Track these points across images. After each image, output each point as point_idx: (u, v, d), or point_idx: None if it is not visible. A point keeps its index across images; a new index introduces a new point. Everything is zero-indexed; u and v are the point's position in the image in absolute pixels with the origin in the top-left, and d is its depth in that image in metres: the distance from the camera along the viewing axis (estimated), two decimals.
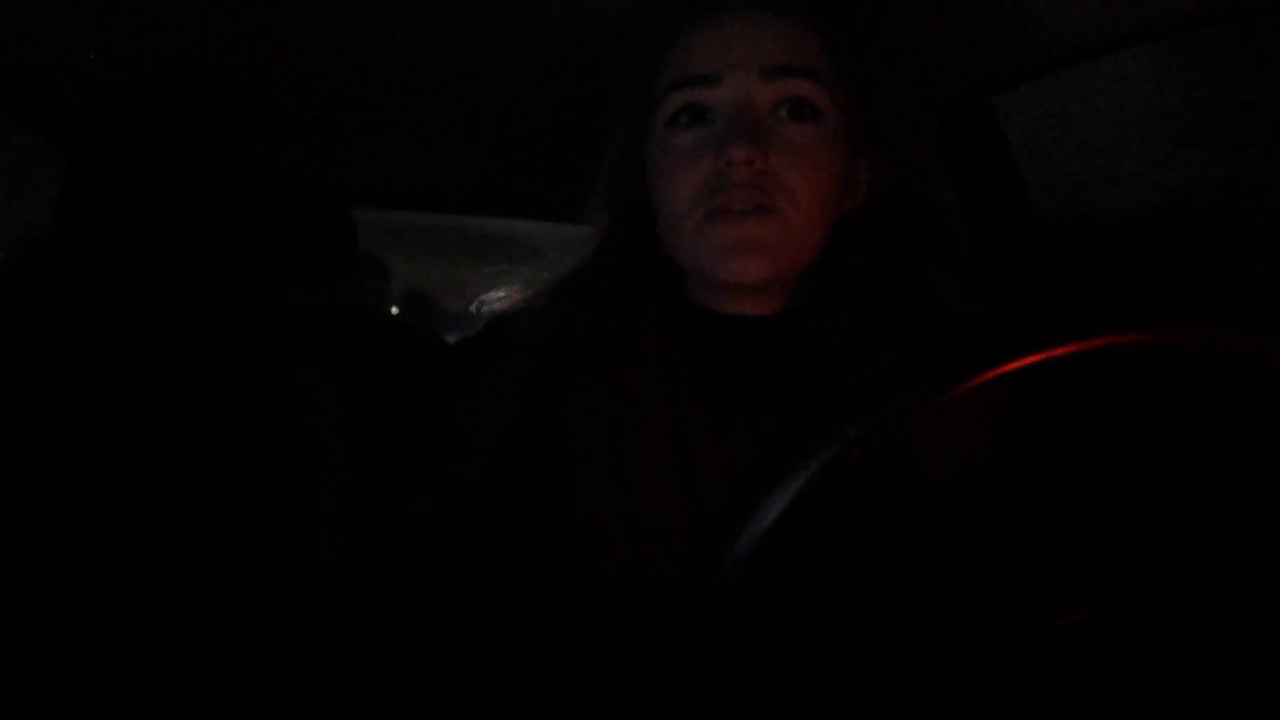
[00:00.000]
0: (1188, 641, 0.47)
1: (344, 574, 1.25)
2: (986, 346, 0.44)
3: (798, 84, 0.79)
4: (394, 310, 3.24)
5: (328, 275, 1.68)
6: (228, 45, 1.23)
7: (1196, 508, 0.67)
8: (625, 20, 1.11)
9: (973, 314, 0.80)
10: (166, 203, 1.15)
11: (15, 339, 1.05)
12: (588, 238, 0.94)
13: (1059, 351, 0.43)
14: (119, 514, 1.01)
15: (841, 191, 0.84)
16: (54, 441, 1.01)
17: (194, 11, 1.11)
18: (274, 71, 1.34)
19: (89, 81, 1.31)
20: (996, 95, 1.31)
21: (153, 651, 0.42)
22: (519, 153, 1.79)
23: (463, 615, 0.54)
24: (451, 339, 1.78)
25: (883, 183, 0.88)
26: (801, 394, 0.78)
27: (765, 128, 0.79)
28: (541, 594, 0.76)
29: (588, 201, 0.95)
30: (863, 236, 0.87)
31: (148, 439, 1.05)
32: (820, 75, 0.80)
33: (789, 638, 0.44)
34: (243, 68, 1.31)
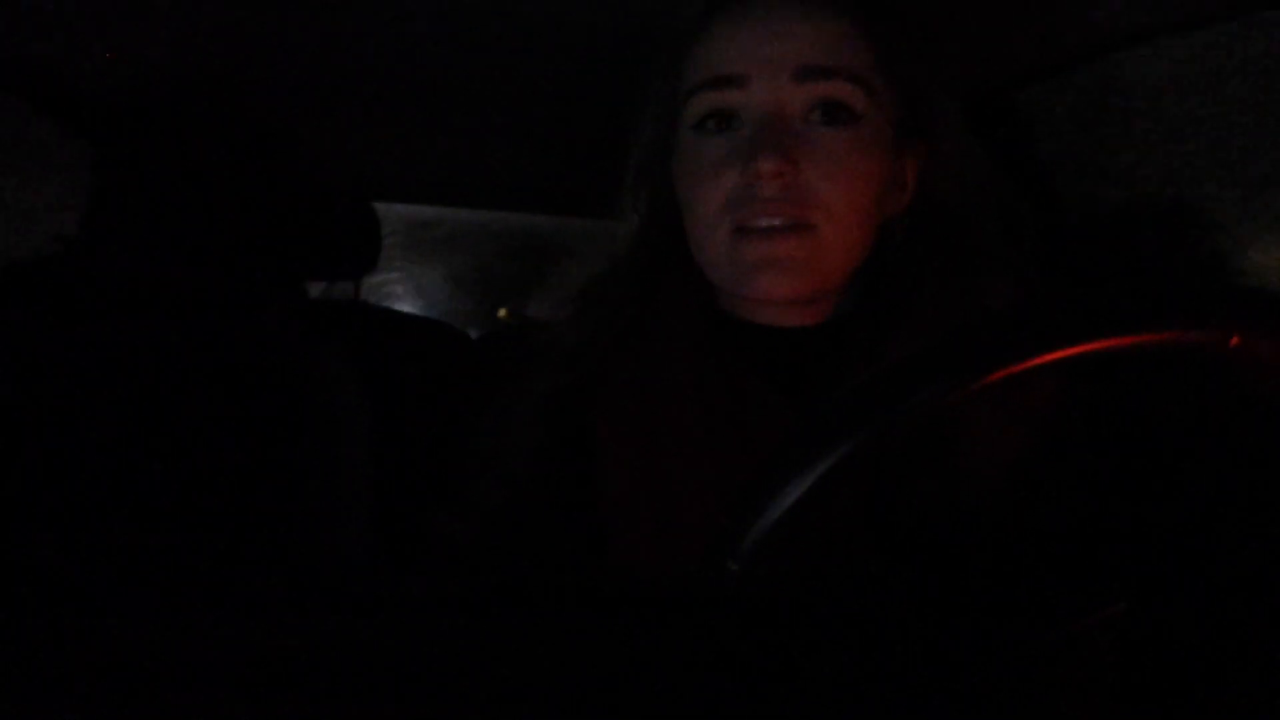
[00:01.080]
0: (1215, 636, 0.46)
1: (365, 568, 1.26)
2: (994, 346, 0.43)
3: (833, 86, 0.73)
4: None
5: (353, 269, 1.70)
6: (257, 38, 1.24)
7: (1222, 501, 0.66)
8: (653, 9, 1.09)
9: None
10: (194, 197, 1.16)
11: (47, 331, 1.06)
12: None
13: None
14: (142, 506, 1.03)
15: (884, 196, 0.78)
16: (79, 432, 1.02)
17: (222, 5, 1.12)
18: (300, 66, 1.35)
19: (116, 75, 1.32)
20: (1024, 89, 1.30)
21: (173, 643, 0.43)
22: (546, 147, 1.79)
23: (481, 610, 0.54)
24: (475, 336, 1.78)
25: (934, 181, 0.81)
26: None
27: (796, 134, 0.73)
28: (560, 591, 0.76)
29: (617, 197, 0.91)
30: (912, 240, 0.81)
31: (172, 431, 1.06)
32: (858, 74, 0.74)
33: (802, 633, 0.44)
34: (271, 60, 1.32)
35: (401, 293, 3.33)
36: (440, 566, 0.86)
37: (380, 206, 1.77)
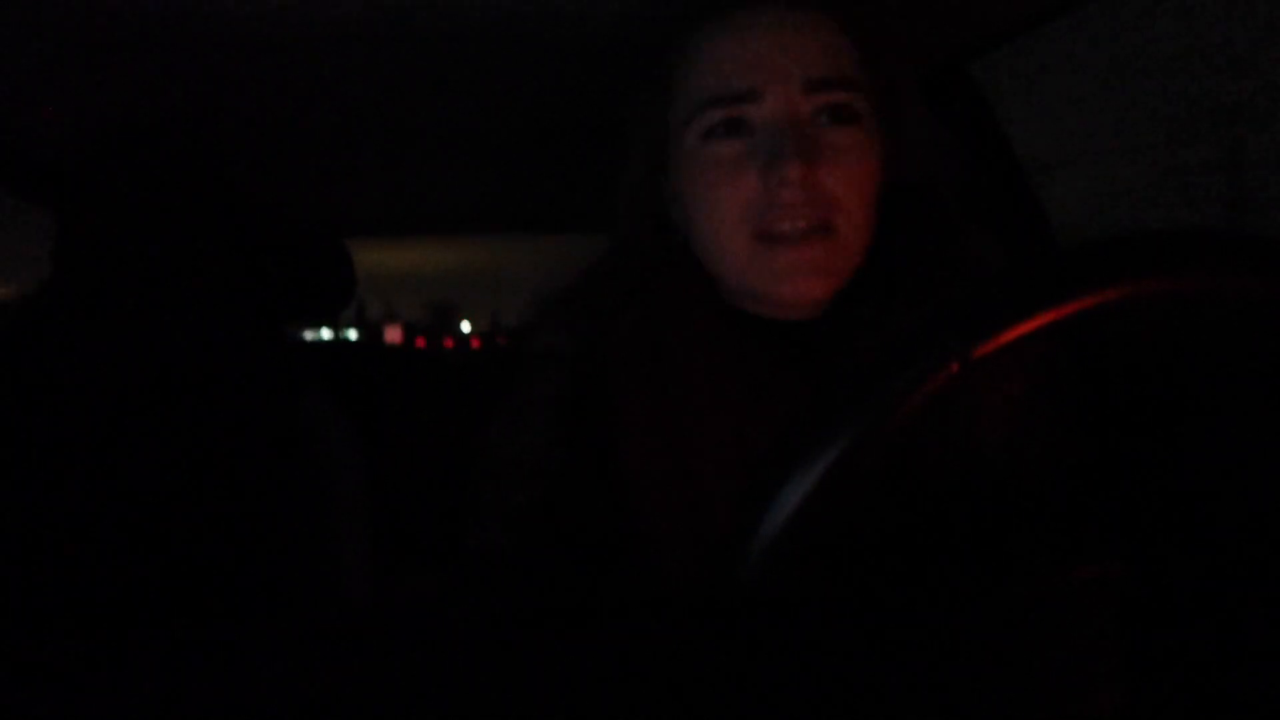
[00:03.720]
0: (1211, 594, 0.46)
1: (368, 603, 1.25)
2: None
3: (837, 95, 0.77)
4: None
5: (329, 309, 1.69)
6: (218, 87, 1.23)
7: (1222, 460, 0.66)
8: (624, 25, 1.07)
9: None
10: (164, 248, 1.15)
11: (25, 389, 1.05)
12: None
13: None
14: (136, 557, 1.02)
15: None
16: (72, 482, 1.02)
17: (179, 53, 1.11)
18: (260, 108, 1.35)
19: (70, 135, 1.31)
20: (975, 60, 1.30)
21: (179, 691, 0.42)
22: (517, 168, 1.79)
23: (484, 634, 0.53)
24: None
25: (904, 164, 0.84)
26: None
27: (811, 138, 0.76)
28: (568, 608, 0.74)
29: (591, 211, 0.93)
30: (888, 220, 0.83)
31: (163, 482, 1.06)
32: (854, 80, 0.78)
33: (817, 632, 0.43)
34: (231, 103, 1.31)
35: None
36: (445, 580, 0.86)
37: None
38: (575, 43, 1.14)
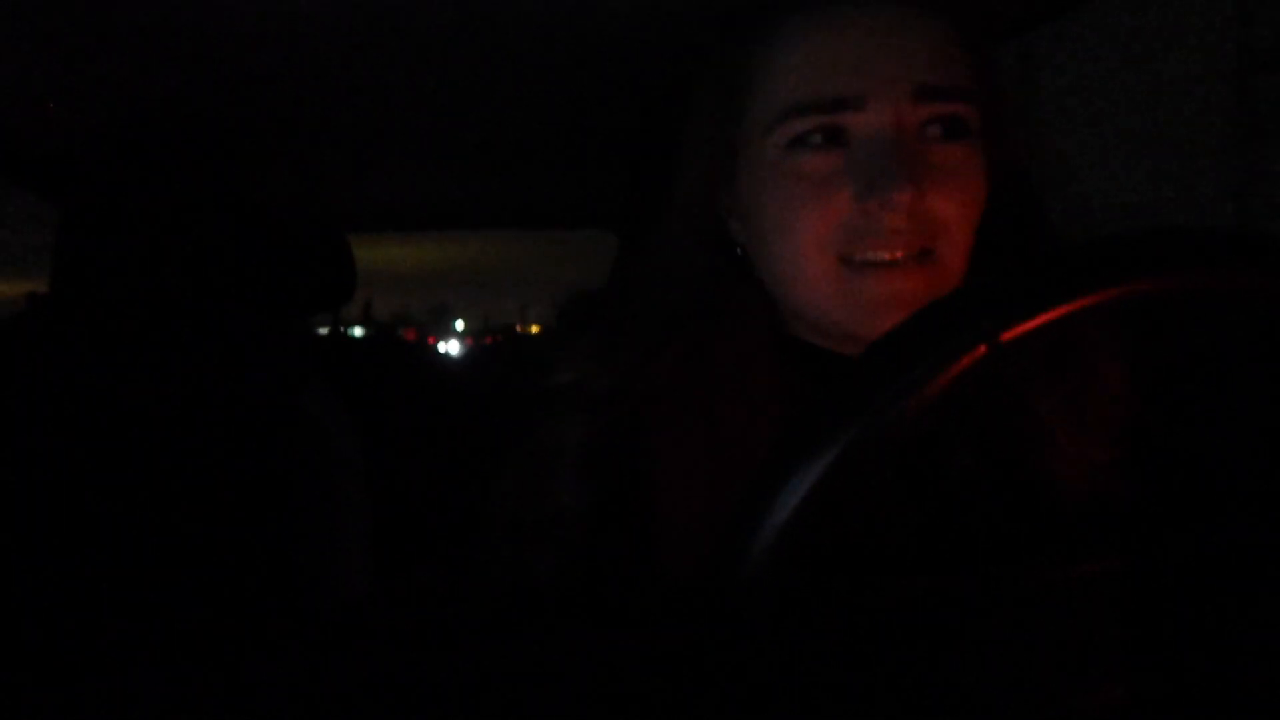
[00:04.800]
0: (1213, 588, 0.46)
1: (367, 602, 1.25)
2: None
3: (950, 106, 0.68)
4: None
5: (329, 302, 1.69)
6: (224, 76, 1.23)
7: (1228, 457, 0.66)
8: (634, 16, 1.02)
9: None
10: (165, 241, 1.15)
11: (28, 388, 1.06)
12: None
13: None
14: (136, 554, 1.02)
15: None
16: (71, 479, 1.02)
17: (183, 42, 1.11)
18: (274, 102, 1.35)
19: (75, 127, 1.31)
20: None
21: (175, 691, 0.42)
22: (516, 164, 1.78)
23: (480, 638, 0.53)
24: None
25: (1003, 183, 0.75)
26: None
27: (920, 155, 0.67)
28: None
29: (603, 208, 0.89)
30: (987, 244, 0.74)
31: (162, 476, 1.06)
32: (969, 91, 0.69)
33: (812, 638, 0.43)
34: (234, 99, 1.31)
35: None
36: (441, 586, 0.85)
37: None
38: (581, 36, 1.13)
